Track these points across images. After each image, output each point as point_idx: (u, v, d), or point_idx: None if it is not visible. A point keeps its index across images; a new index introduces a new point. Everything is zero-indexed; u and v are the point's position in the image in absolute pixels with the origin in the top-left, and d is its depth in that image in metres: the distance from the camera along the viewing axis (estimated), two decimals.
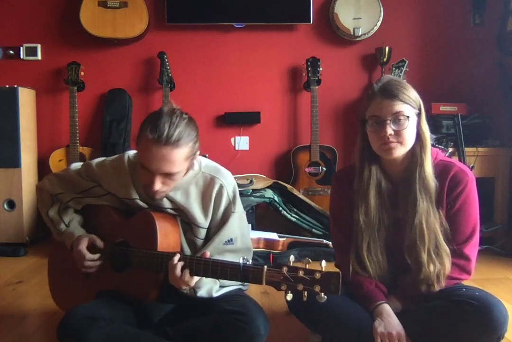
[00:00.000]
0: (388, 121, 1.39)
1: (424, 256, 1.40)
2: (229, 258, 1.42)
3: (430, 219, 1.42)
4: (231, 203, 1.52)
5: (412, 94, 1.43)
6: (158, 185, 1.38)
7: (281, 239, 2.83)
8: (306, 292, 1.16)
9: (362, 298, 1.45)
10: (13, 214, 3.09)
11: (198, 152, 1.46)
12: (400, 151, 1.42)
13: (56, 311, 1.74)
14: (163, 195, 1.46)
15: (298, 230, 3.01)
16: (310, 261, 1.19)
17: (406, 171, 1.47)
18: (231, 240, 1.50)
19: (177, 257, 1.34)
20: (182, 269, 1.32)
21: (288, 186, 3.05)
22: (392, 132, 1.39)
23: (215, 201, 1.51)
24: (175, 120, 1.34)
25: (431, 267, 1.40)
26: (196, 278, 1.35)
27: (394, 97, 1.40)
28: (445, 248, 1.42)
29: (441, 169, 1.46)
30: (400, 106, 1.39)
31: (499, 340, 1.33)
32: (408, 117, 1.40)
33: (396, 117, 1.39)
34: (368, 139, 1.47)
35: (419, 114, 1.44)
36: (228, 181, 1.54)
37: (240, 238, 1.53)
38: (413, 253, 1.43)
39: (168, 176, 1.38)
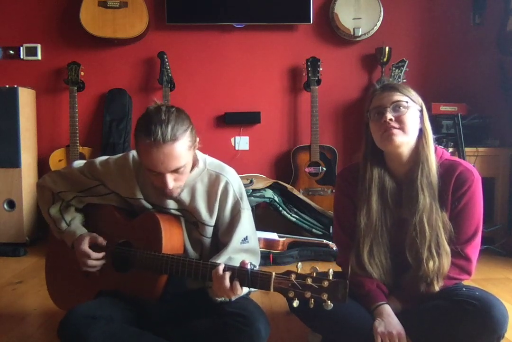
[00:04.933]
0: (388, 109, 1.41)
1: (424, 252, 1.40)
2: (244, 258, 1.38)
3: (433, 216, 1.41)
4: (239, 200, 1.50)
5: (413, 92, 1.48)
6: (171, 184, 1.37)
7: (281, 239, 2.83)
8: (313, 299, 1.16)
9: (362, 298, 1.45)
10: (13, 214, 3.09)
11: (198, 140, 1.43)
12: (401, 139, 1.41)
13: (56, 311, 1.73)
14: (180, 191, 1.44)
15: (298, 230, 3.01)
16: (318, 269, 1.19)
17: (410, 170, 1.46)
18: (246, 238, 1.49)
19: (222, 267, 1.29)
20: (231, 279, 1.27)
21: (288, 186, 3.05)
22: (393, 118, 1.40)
23: (221, 197, 1.49)
24: (164, 117, 1.31)
25: (430, 264, 1.39)
26: (245, 288, 1.30)
27: (394, 89, 1.45)
28: (446, 248, 1.41)
29: (447, 169, 1.45)
30: (399, 97, 1.43)
31: (499, 340, 1.33)
32: (407, 103, 1.42)
33: (396, 106, 1.42)
34: (371, 143, 1.47)
35: (421, 111, 1.46)
36: (233, 178, 1.52)
37: (253, 236, 1.52)
38: (414, 249, 1.42)
39: (177, 171, 1.37)
